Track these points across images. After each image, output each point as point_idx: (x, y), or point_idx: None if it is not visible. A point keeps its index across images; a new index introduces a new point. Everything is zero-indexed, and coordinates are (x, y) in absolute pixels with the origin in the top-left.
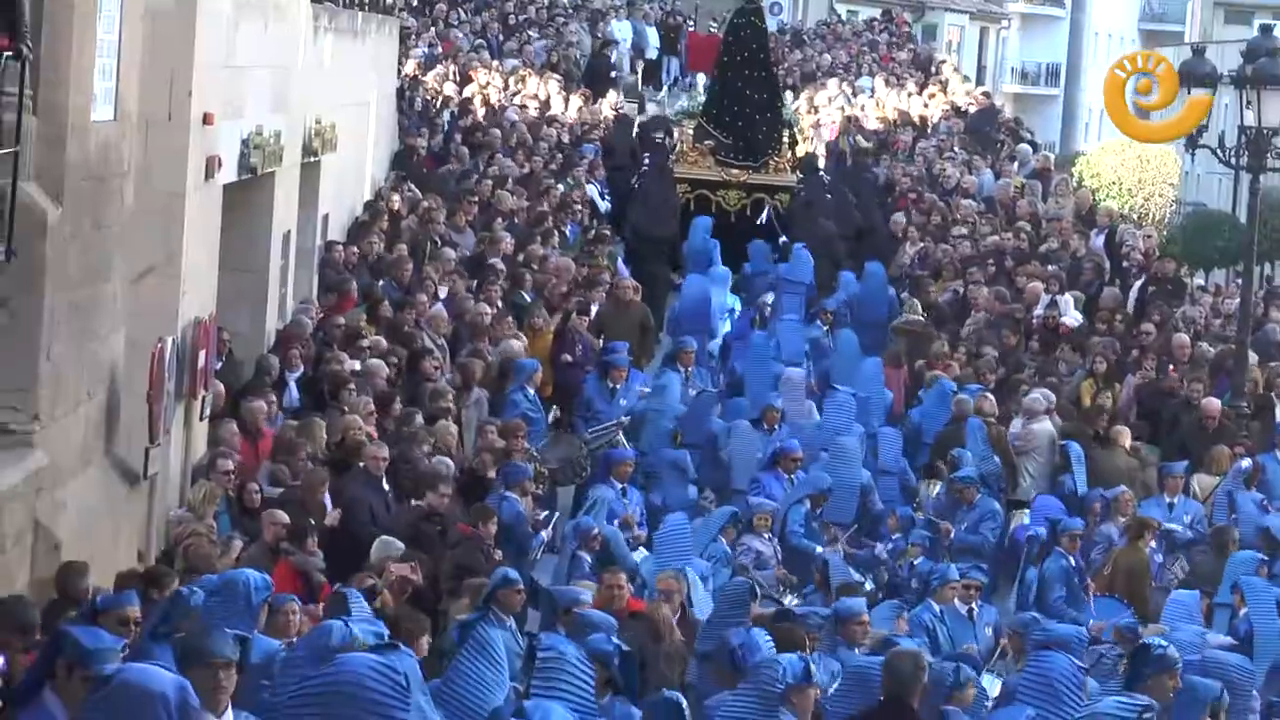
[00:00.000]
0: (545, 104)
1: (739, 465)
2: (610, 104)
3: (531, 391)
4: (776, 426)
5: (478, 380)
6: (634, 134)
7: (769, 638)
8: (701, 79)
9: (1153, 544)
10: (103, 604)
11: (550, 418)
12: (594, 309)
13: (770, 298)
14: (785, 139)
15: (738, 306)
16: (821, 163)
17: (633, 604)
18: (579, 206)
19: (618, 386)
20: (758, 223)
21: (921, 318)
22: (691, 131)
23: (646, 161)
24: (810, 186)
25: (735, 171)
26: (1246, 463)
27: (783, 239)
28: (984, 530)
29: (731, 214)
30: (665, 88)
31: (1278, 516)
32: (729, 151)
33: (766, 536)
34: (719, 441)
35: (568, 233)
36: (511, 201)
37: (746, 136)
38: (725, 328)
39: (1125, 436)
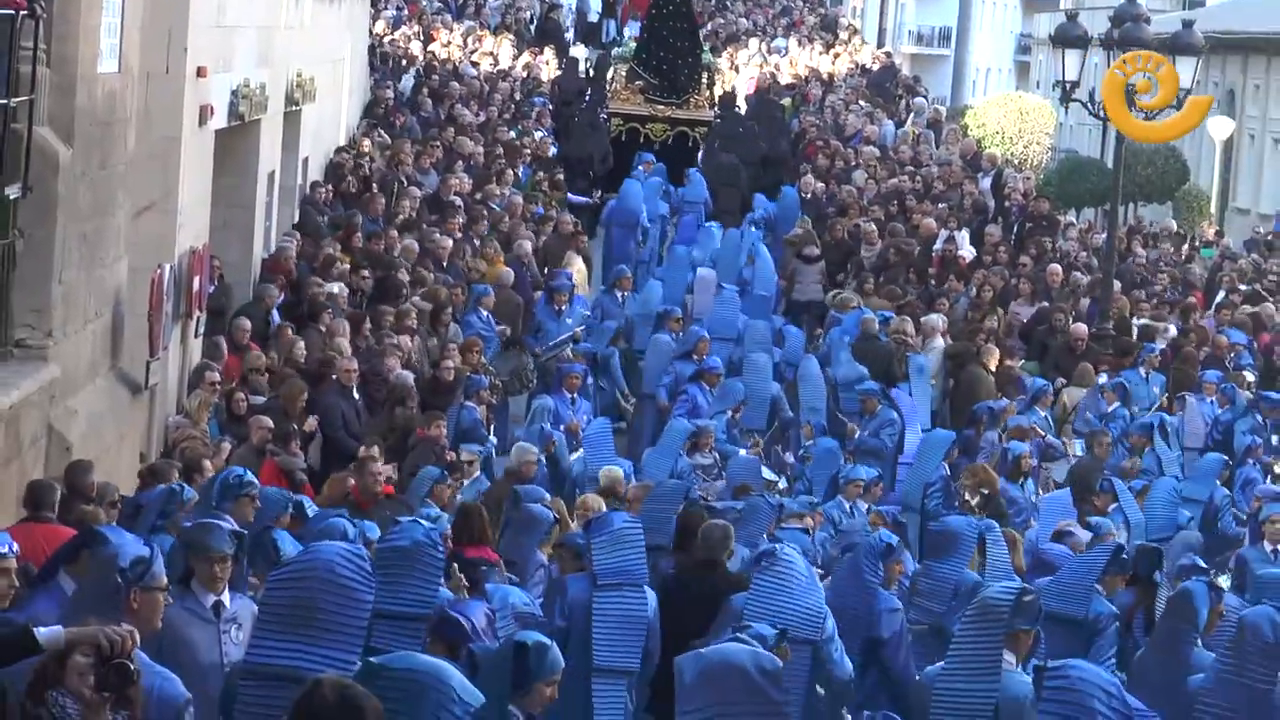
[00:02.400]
0: (498, 61)
1: (650, 370)
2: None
3: (485, 313)
4: (680, 331)
5: (441, 302)
6: (582, 75)
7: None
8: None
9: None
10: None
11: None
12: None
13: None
14: (704, 80)
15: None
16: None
17: None
18: (528, 152)
19: (562, 308)
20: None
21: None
22: (624, 73)
23: (589, 98)
24: (724, 121)
25: (661, 108)
26: (1104, 378)
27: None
28: (883, 436)
29: (657, 144)
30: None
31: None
32: (656, 90)
33: (708, 450)
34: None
35: (520, 174)
36: (470, 146)
37: (671, 78)
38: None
39: (993, 356)
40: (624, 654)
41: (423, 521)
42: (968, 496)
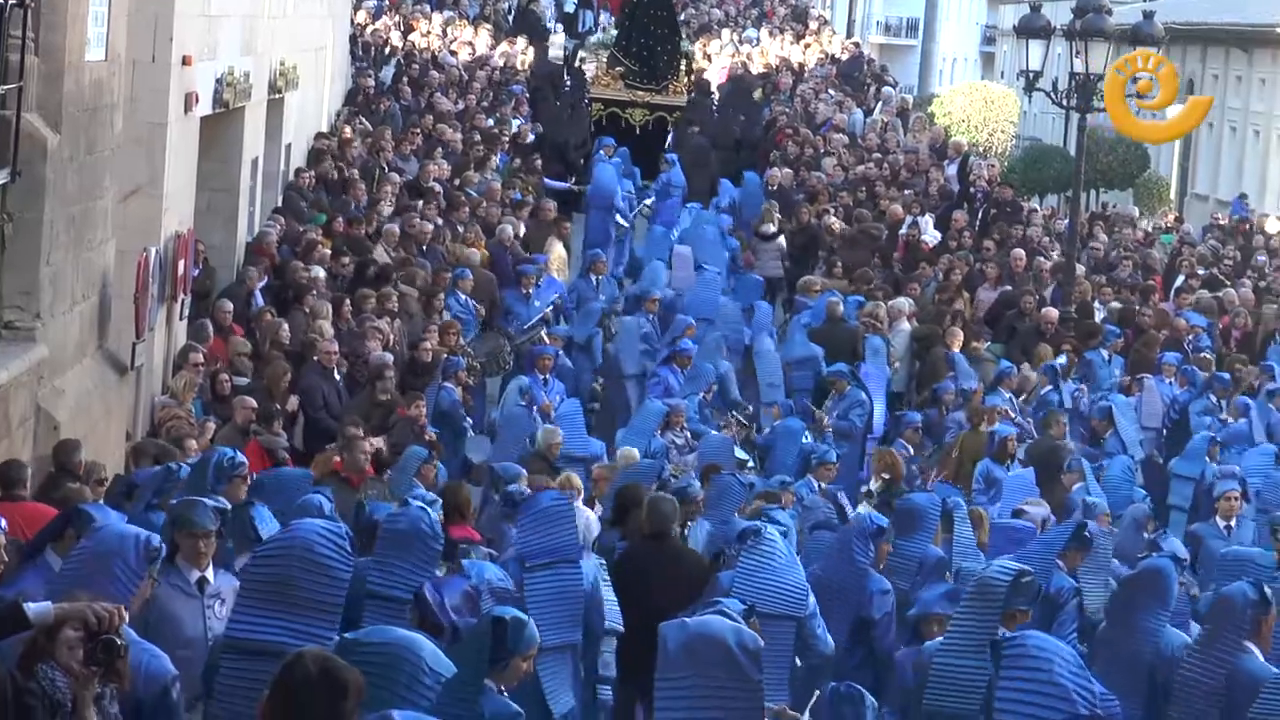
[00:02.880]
0: (476, 50)
1: (625, 353)
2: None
3: (463, 296)
4: (655, 313)
5: (432, 287)
6: (562, 64)
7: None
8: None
9: (994, 428)
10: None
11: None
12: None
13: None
14: (682, 68)
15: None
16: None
17: None
18: (506, 139)
19: (529, 291)
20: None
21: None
22: (605, 60)
23: (569, 84)
24: (699, 108)
25: (640, 93)
26: (1062, 359)
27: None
28: (852, 416)
29: (636, 128)
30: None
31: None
32: (635, 77)
33: (680, 429)
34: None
35: (498, 161)
36: (449, 133)
37: (650, 65)
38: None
39: (957, 339)
40: (563, 630)
41: (427, 509)
42: (873, 481)
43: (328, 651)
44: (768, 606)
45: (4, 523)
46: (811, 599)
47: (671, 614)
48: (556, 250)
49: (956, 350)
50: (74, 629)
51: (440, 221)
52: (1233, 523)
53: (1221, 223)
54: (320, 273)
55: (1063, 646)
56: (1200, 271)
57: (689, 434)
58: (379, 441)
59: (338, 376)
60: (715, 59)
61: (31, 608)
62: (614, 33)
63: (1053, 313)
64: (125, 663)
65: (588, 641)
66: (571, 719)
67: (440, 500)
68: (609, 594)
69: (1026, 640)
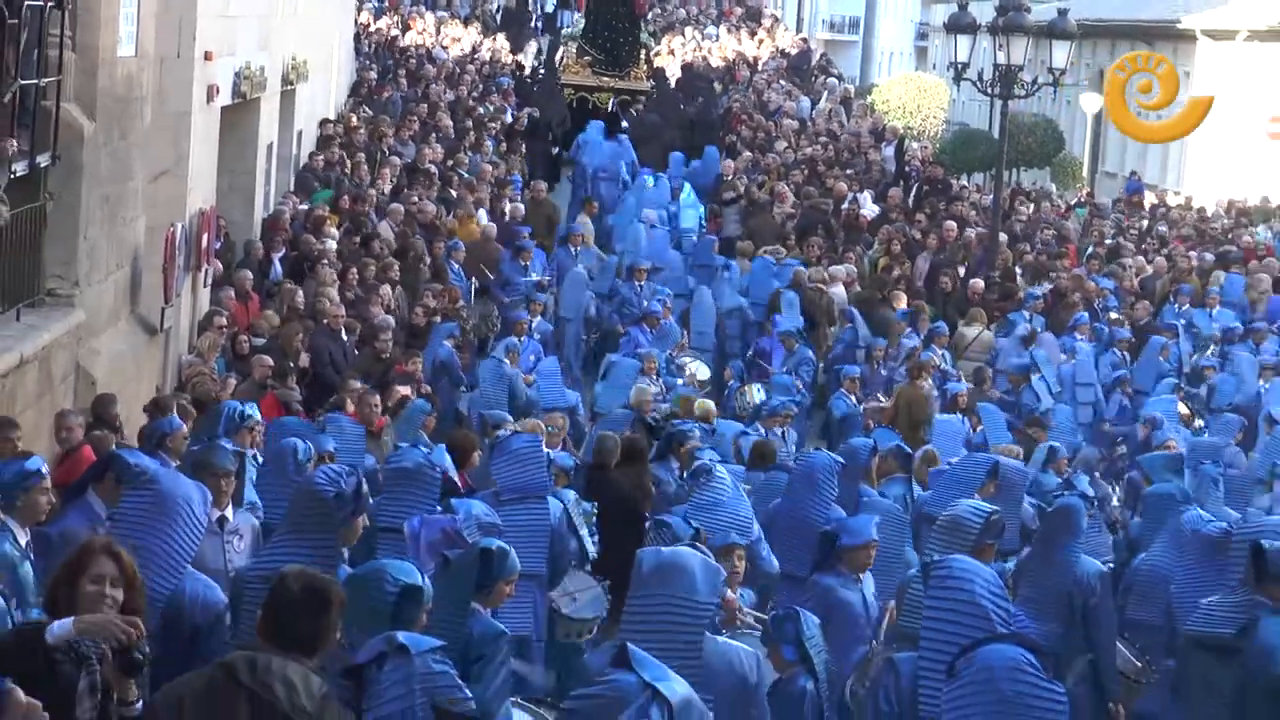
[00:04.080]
0: (465, 46)
1: (565, 298)
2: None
3: (456, 265)
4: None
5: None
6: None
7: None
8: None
9: (929, 382)
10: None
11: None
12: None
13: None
14: (642, 57)
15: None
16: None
17: None
18: (495, 125)
19: (527, 264)
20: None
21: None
22: (575, 50)
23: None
24: (655, 92)
25: (606, 79)
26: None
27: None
28: (801, 373)
29: (603, 110)
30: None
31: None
32: (601, 65)
33: (654, 377)
34: None
35: (489, 145)
36: (444, 120)
37: (614, 54)
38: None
39: (901, 299)
40: (530, 560)
41: (421, 448)
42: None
43: (311, 569)
44: (719, 537)
45: (45, 466)
46: (756, 526)
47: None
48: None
49: (900, 308)
50: (93, 583)
51: (434, 202)
52: None
53: (1120, 199)
54: (331, 245)
55: (983, 569)
56: (1108, 241)
57: (663, 383)
58: (406, 389)
59: (344, 337)
60: (678, 53)
61: (52, 629)
62: (582, 25)
63: (979, 284)
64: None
65: (554, 572)
66: (527, 645)
67: (439, 447)
68: (584, 532)
69: (952, 564)
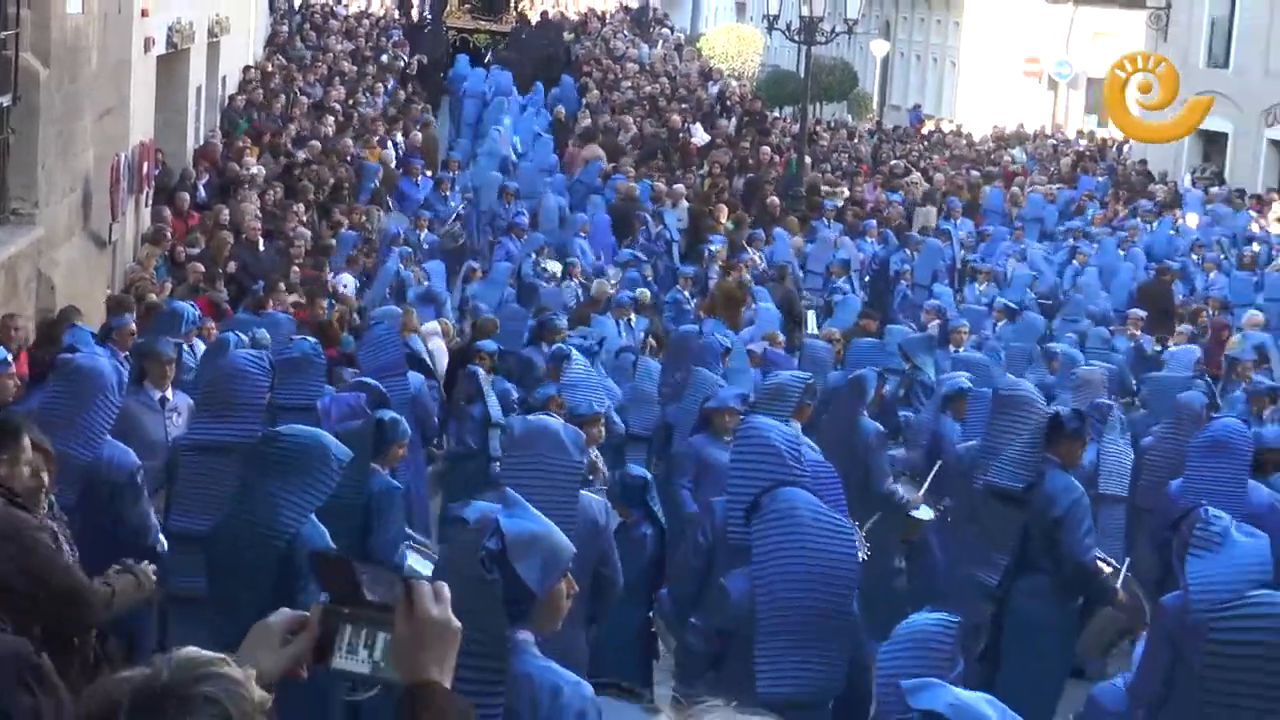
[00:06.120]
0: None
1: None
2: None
3: (372, 187)
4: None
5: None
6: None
7: None
8: None
9: (748, 275)
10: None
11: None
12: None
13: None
14: (512, 3)
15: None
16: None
17: None
18: (393, 72)
19: (447, 193)
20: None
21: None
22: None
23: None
24: (519, 33)
25: (483, 22)
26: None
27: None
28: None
29: (480, 49)
30: None
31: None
32: (479, 10)
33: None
34: None
35: (389, 86)
36: (346, 66)
37: (489, 1)
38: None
39: (723, 212)
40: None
41: (308, 339)
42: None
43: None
44: (583, 407)
45: (8, 355)
46: (605, 398)
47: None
48: None
49: (724, 220)
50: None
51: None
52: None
53: (904, 126)
54: (252, 170)
55: (780, 425)
56: (893, 162)
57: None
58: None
59: (262, 248)
60: (540, 4)
61: None
62: None
63: (775, 201)
64: None
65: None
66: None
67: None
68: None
69: (753, 419)
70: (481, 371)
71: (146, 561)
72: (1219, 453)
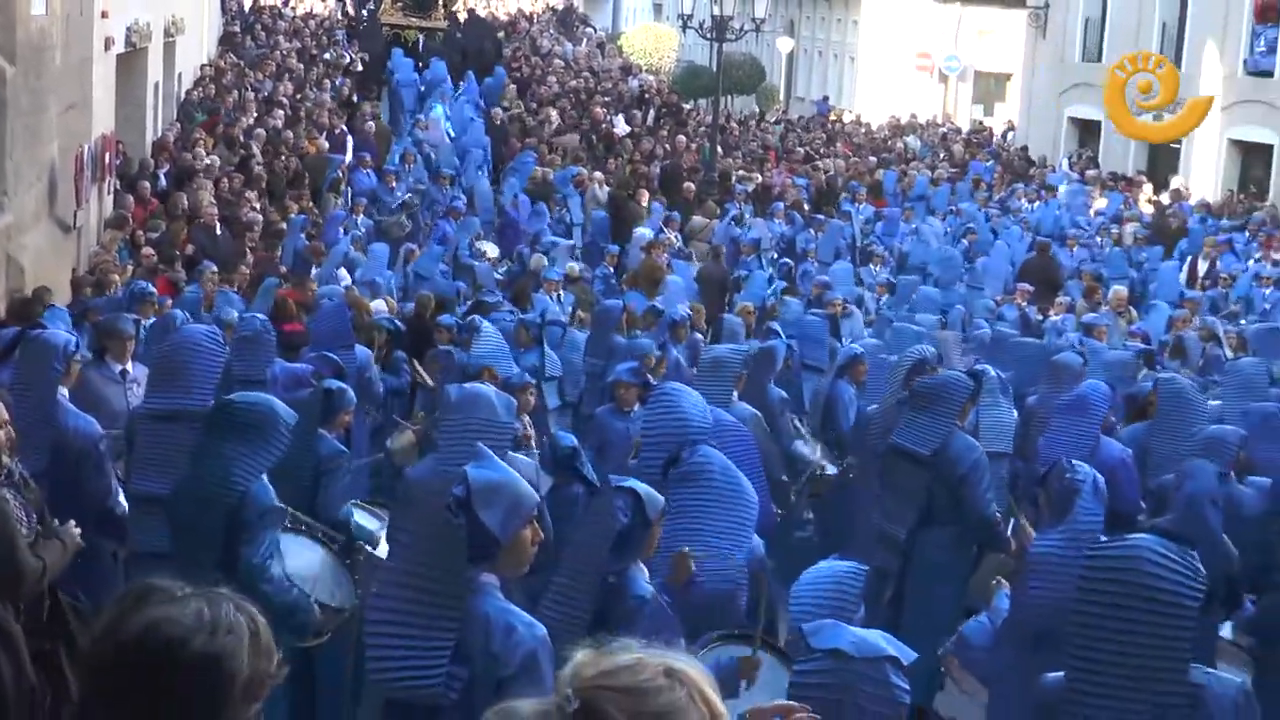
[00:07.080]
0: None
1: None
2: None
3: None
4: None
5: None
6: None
7: None
8: None
9: (666, 255)
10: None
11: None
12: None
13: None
14: (441, 2)
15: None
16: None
17: None
18: (335, 71)
19: (394, 185)
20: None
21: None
22: None
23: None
24: (449, 27)
25: (414, 20)
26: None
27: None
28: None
29: (411, 43)
30: None
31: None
32: (410, 8)
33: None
34: None
35: (335, 83)
36: (294, 63)
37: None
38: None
39: (644, 197)
40: None
41: (258, 316)
42: None
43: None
44: (516, 378)
45: None
46: (513, 365)
47: None
48: None
49: (644, 203)
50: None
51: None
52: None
53: (810, 117)
54: (206, 160)
55: (685, 390)
56: (799, 149)
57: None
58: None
59: (218, 232)
60: (468, 1)
61: None
62: None
63: (691, 186)
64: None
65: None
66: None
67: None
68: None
69: (667, 387)
70: (455, 350)
71: (72, 522)
72: (1077, 411)
